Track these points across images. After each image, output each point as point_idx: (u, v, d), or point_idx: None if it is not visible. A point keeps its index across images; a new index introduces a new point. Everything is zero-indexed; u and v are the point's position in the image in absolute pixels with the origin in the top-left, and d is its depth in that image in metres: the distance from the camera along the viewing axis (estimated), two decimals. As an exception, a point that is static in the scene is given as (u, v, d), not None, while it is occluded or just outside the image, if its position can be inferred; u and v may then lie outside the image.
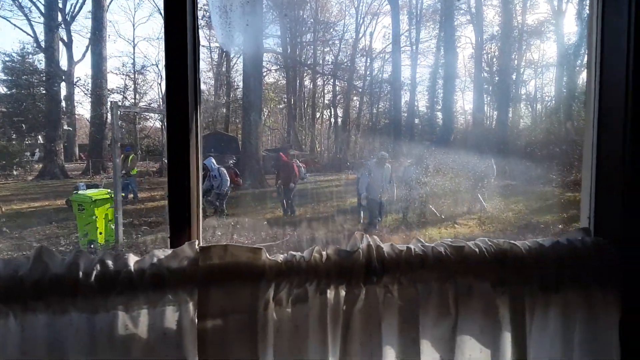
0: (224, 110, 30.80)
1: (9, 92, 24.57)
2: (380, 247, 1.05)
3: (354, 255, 1.02)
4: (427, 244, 1.10)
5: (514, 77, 24.04)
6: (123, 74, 29.55)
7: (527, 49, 24.57)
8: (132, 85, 29.25)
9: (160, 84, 30.63)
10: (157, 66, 31.83)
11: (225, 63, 31.05)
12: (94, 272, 0.87)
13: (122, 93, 28.22)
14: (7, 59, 25.09)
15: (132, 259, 0.91)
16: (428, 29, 28.01)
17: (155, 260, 0.91)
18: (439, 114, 26.05)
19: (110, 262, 0.90)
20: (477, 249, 1.08)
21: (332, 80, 27.88)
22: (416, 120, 27.26)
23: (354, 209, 10.94)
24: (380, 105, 29.24)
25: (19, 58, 24.78)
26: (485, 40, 25.32)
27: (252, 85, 15.96)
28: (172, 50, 1.06)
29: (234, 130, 30.77)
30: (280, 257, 0.99)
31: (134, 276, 0.89)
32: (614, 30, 1.20)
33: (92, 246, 7.53)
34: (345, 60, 28.31)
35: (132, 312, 0.90)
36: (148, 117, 31.32)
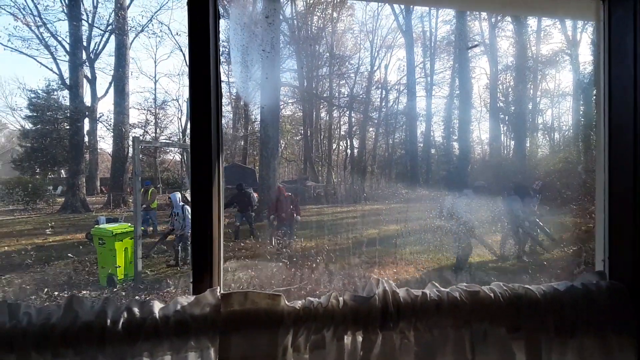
0: (242, 142, 31.31)
1: (34, 128, 25.47)
2: (396, 292, 1.07)
3: (370, 301, 1.04)
4: (442, 289, 1.11)
5: (530, 106, 24.01)
6: (144, 109, 30.49)
7: (542, 78, 24.61)
8: (153, 120, 30.12)
9: (180, 119, 31.44)
10: (178, 101, 32.70)
11: (243, 97, 31.78)
12: (121, 320, 0.91)
13: (143, 127, 29.04)
14: (32, 95, 26.09)
15: (157, 306, 0.95)
16: (442, 60, 28.39)
17: (179, 307, 0.95)
18: (456, 144, 25.98)
19: (136, 310, 0.94)
20: (492, 294, 1.10)
21: (347, 112, 28.19)
22: (432, 151, 27.25)
23: (377, 241, 10.86)
24: (396, 136, 29.37)
25: (44, 95, 25.74)
26: (500, 70, 25.48)
27: (270, 118, 16.23)
28: (195, 86, 1.13)
29: (252, 162, 31.17)
30: (298, 304, 1.02)
31: (159, 323, 0.92)
32: (620, 77, 1.24)
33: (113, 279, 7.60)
34: (361, 92, 28.69)
35: (157, 359, 0.93)
36: (168, 150, 32.03)
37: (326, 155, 31.16)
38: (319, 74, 29.53)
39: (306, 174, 28.07)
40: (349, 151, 28.97)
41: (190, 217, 8.77)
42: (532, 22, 22.90)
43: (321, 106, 31.19)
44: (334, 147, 32.35)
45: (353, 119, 29.16)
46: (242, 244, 11.07)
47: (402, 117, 28.77)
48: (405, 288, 1.10)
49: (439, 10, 26.20)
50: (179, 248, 9.03)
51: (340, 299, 1.04)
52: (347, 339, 1.04)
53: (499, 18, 23.77)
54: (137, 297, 6.83)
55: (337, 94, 29.65)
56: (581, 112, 20.73)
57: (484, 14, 24.10)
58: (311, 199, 19.73)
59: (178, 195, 10.27)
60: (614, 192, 1.25)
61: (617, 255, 1.24)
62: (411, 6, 22.19)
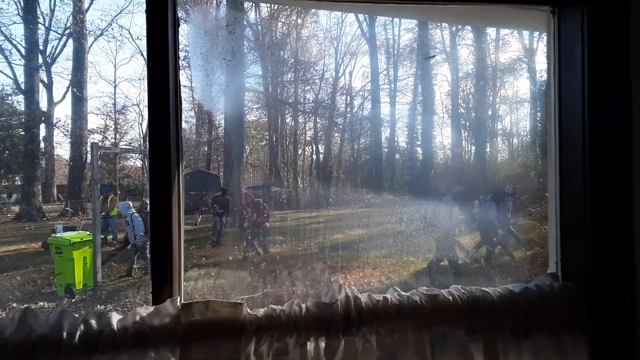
0: (206, 148, 30.88)
1: (-14, 134, 24.41)
2: (358, 297, 1.09)
3: (333, 307, 1.05)
4: (403, 293, 1.14)
5: (490, 112, 24.77)
6: (104, 114, 29.55)
7: (501, 86, 25.43)
8: (113, 125, 29.29)
9: (141, 124, 30.68)
10: (139, 106, 31.90)
11: (205, 103, 31.35)
12: (78, 332, 0.88)
13: (102, 133, 28.16)
14: (-15, 100, 24.99)
15: (115, 318, 0.93)
16: (405, 67, 28.86)
17: (138, 318, 0.93)
18: (419, 149, 26.48)
19: (93, 321, 0.91)
20: (450, 297, 1.13)
21: (313, 118, 28.30)
22: (397, 156, 27.68)
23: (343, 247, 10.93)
24: (361, 142, 29.66)
25: (-2, 100, 24.72)
26: (461, 77, 26.16)
27: (234, 124, 16.11)
28: (154, 91, 1.11)
29: (216, 169, 30.75)
30: (260, 311, 1.02)
31: (117, 335, 0.90)
32: (570, 87, 1.30)
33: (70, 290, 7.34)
34: (326, 98, 28.83)
35: (115, 372, 0.91)
36: (128, 156, 31.20)
37: (292, 161, 31.09)
38: (284, 79, 29.51)
39: (272, 179, 27.93)
40: (314, 157, 29.07)
41: (140, 225, 8.67)
42: (491, 31, 23.65)
43: (286, 112, 31.15)
44: (299, 153, 32.33)
45: (318, 125, 29.30)
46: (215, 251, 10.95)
47: (366, 122, 29.08)
48: (368, 293, 1.12)
49: (402, 19, 26.71)
50: (135, 258, 8.71)
51: (303, 305, 1.04)
52: (310, 346, 1.04)
53: (459, 27, 24.45)
54: (95, 308, 6.62)
55: (302, 99, 29.68)
56: (538, 119, 21.55)
57: (445, 24, 24.73)
58: (277, 204, 19.62)
59: (129, 203, 9.99)
60: (564, 197, 1.31)
61: (569, 257, 1.30)
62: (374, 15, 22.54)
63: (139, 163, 32.23)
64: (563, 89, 1.32)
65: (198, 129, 31.68)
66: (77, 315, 0.93)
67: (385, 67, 28.45)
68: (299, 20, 27.90)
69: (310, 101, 29.35)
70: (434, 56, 25.34)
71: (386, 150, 27.19)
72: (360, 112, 29.74)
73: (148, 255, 8.61)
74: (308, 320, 1.03)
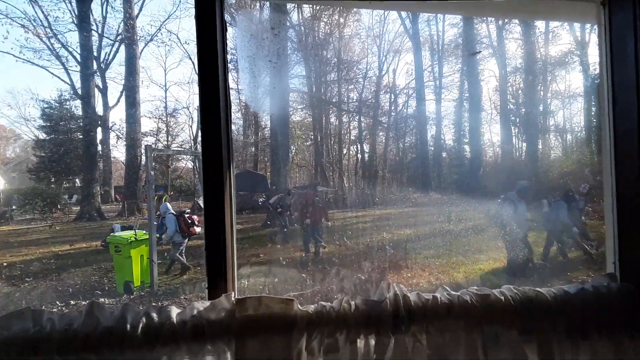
0: (253, 149, 31.51)
1: (48, 138, 25.93)
2: (407, 296, 1.09)
3: (381, 305, 1.06)
4: (452, 292, 1.13)
5: (540, 108, 23.81)
6: (156, 117, 30.89)
7: (552, 80, 24.40)
8: (165, 128, 30.50)
9: (191, 126, 31.82)
10: (188, 109, 33.10)
11: (252, 105, 32.03)
12: (140, 325, 0.94)
13: (155, 135, 29.41)
14: (45, 105, 26.60)
15: (175, 311, 0.98)
16: (450, 63, 28.31)
17: (195, 312, 0.98)
18: (467, 147, 25.85)
19: (154, 315, 0.96)
20: (502, 297, 1.11)
21: (357, 117, 28.22)
22: (444, 154, 27.15)
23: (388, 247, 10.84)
24: (406, 140, 29.32)
25: (57, 105, 26.18)
26: (509, 72, 25.32)
27: (279, 125, 16.32)
28: (205, 94, 1.16)
29: (263, 169, 31.32)
30: (311, 308, 1.04)
31: (177, 328, 0.95)
32: (623, 80, 1.25)
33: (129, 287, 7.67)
34: (370, 97, 28.69)
35: (175, 363, 0.95)
36: (180, 158, 32.39)
37: (337, 160, 31.16)
38: (328, 79, 29.61)
39: (317, 179, 28.09)
40: (359, 156, 28.96)
41: (172, 225, 9.09)
42: (539, 23, 22.72)
43: (330, 111, 31.25)
44: (344, 152, 32.37)
45: (363, 124, 29.18)
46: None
47: (411, 121, 28.72)
48: (416, 292, 1.12)
49: (446, 14, 26.13)
50: (177, 255, 9.12)
51: (352, 302, 1.06)
52: (360, 343, 1.06)
53: (506, 21, 23.64)
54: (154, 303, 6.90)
55: (345, 98, 29.70)
56: (592, 114, 20.52)
57: (490, 18, 23.99)
58: (323, 204, 19.66)
59: (167, 204, 10.31)
60: (621, 194, 1.25)
61: (627, 257, 1.24)
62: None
63: (190, 164, 33.44)
64: (616, 82, 1.27)
65: (245, 130, 32.40)
66: (139, 309, 0.99)
67: (430, 63, 28.01)
68: (341, 20, 27.90)
69: (354, 100, 29.30)
70: (480, 52, 24.63)
71: (432, 148, 26.72)
72: (405, 110, 29.43)
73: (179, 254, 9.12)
74: (357, 317, 1.04)
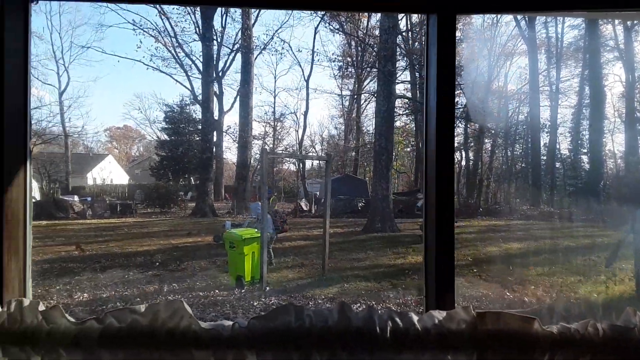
0: (353, 154, 31.81)
1: (168, 139, 28.44)
2: (656, 324, 0.96)
3: (630, 332, 0.94)
4: None
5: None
6: (264, 122, 32.50)
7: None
8: (272, 132, 31.95)
9: (297, 131, 33.02)
10: (295, 114, 34.40)
11: (355, 109, 32.32)
12: (388, 328, 0.93)
13: (262, 139, 30.96)
14: (168, 109, 29.20)
15: (415, 317, 0.96)
16: (569, 67, 26.29)
17: (436, 321, 0.95)
18: (585, 158, 23.72)
19: (398, 320, 0.95)
20: None
21: (463, 123, 27.24)
22: (557, 164, 25.17)
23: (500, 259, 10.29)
24: (516, 148, 27.71)
25: (178, 109, 28.65)
26: (638, 78, 22.82)
27: (384, 130, 16.19)
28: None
29: (362, 174, 31.46)
30: (554, 328, 0.96)
31: (421, 334, 0.93)
32: None
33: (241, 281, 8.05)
34: (477, 102, 27.53)
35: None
36: (284, 161, 33.70)
37: (438, 168, 30.26)
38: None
39: (417, 186, 27.53)
40: (463, 163, 27.88)
41: (271, 223, 9.67)
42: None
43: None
44: (447, 159, 31.35)
45: (468, 130, 28.10)
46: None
47: (523, 127, 27.09)
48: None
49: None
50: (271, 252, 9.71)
51: (599, 326, 0.96)
52: (606, 369, 0.95)
53: (635, 22, 21.28)
54: (262, 300, 7.15)
55: (450, 104, 28.77)
56: None
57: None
58: (422, 212, 19.15)
59: (259, 204, 11.35)
60: None
61: None
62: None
63: (292, 167, 34.68)
64: None
65: (346, 135, 32.84)
66: (382, 311, 0.98)
67: (546, 67, 26.20)
68: (450, 23, 27.12)
69: (460, 105, 28.29)
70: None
71: (545, 157, 24.90)
72: (516, 116, 27.85)
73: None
74: (604, 342, 0.94)
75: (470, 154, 27.75)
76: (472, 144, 28.12)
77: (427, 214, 1.13)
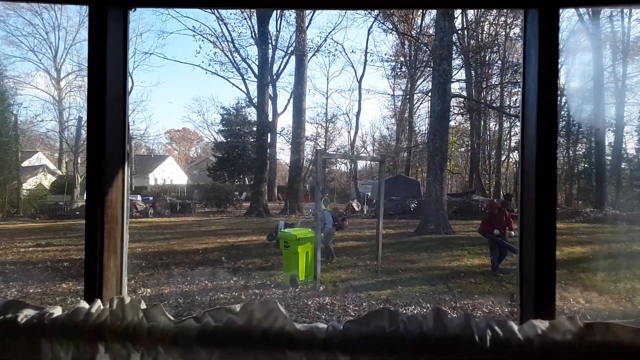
0: (405, 154, 31.42)
1: (225, 140, 29.39)
2: None
3: None
4: None
5: None
6: (316, 123, 32.84)
7: None
8: (324, 133, 32.22)
9: (349, 132, 33.11)
10: (348, 115, 34.53)
11: (408, 109, 31.93)
12: (487, 337, 0.90)
13: (314, 140, 31.26)
14: (224, 112, 30.14)
15: (515, 326, 0.92)
16: (636, 62, 24.70)
17: (539, 331, 0.91)
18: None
19: (497, 328, 0.92)
20: None
21: (520, 122, 26.26)
22: (623, 164, 23.71)
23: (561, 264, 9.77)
24: (577, 148, 26.38)
25: (234, 112, 29.53)
26: None
27: (439, 130, 15.88)
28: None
29: (414, 174, 31.01)
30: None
31: (524, 344, 0.89)
32: None
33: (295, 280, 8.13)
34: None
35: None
36: (335, 161, 33.85)
37: (494, 168, 29.35)
38: (489, 82, 28.14)
39: (472, 187, 26.77)
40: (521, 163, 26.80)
41: (330, 219, 10.32)
42: None
43: (489, 116, 29.63)
44: (502, 159, 30.36)
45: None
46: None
47: (585, 126, 25.74)
48: None
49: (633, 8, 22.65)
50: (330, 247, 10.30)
51: None
52: None
53: None
54: (316, 300, 7.18)
55: (508, 102, 27.82)
56: None
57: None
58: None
59: (312, 204, 11.89)
60: None
61: None
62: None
63: (344, 168, 34.84)
64: None
65: (398, 136, 32.50)
66: (479, 319, 0.95)
67: (611, 63, 24.73)
68: (508, 20, 26.35)
69: (518, 104, 27.29)
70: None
71: (610, 158, 23.50)
72: (578, 114, 26.51)
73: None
74: None
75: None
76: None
77: (524, 218, 1.08)
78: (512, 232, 9.71)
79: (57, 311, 1.04)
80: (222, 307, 1.00)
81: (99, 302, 1.04)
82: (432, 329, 0.91)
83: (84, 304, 1.05)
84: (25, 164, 24.56)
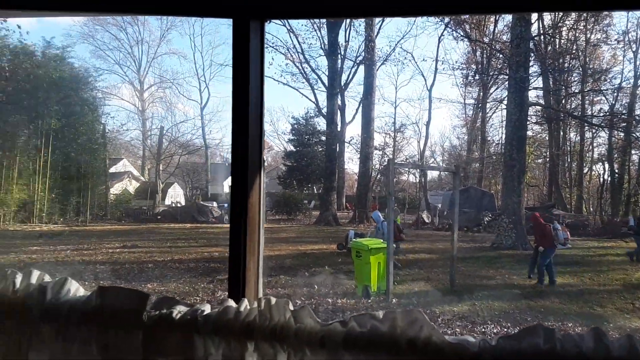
0: (477, 165, 30.31)
1: (294, 150, 30.05)
2: None
3: None
4: None
5: None
6: (384, 132, 32.61)
7: None
8: (392, 143, 31.87)
9: (419, 141, 32.54)
10: (417, 124, 34.01)
11: (480, 118, 30.84)
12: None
13: (382, 149, 31.03)
14: (294, 122, 30.85)
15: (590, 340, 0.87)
16: None
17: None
18: None
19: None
20: None
21: (607, 132, 24.49)
22: None
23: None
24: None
25: (304, 121, 30.15)
26: None
27: (515, 140, 15.22)
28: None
29: (487, 186, 29.80)
30: None
31: None
32: None
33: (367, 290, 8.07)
34: (621, 109, 24.60)
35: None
36: (404, 171, 33.35)
37: (576, 181, 27.56)
38: (569, 91, 26.60)
39: (552, 200, 25.29)
40: (607, 177, 25.02)
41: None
42: None
43: (569, 126, 27.93)
44: (585, 172, 28.46)
45: (612, 140, 25.21)
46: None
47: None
48: None
49: None
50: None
51: None
52: None
53: None
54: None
55: (590, 112, 26.09)
56: None
57: None
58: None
59: (378, 213, 12.28)
60: None
61: None
62: None
63: (412, 178, 34.25)
64: None
65: (470, 146, 31.45)
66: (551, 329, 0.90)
67: None
68: (588, 26, 24.85)
69: (602, 113, 25.52)
70: None
71: None
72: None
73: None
74: None
75: (615, 167, 24.84)
76: (617, 155, 25.20)
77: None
78: (541, 247, 9.46)
79: (207, 308, 1.10)
80: (367, 312, 1.01)
81: (245, 302, 1.09)
82: (592, 350, 0.86)
83: (232, 303, 1.10)
84: (112, 170, 26.38)
